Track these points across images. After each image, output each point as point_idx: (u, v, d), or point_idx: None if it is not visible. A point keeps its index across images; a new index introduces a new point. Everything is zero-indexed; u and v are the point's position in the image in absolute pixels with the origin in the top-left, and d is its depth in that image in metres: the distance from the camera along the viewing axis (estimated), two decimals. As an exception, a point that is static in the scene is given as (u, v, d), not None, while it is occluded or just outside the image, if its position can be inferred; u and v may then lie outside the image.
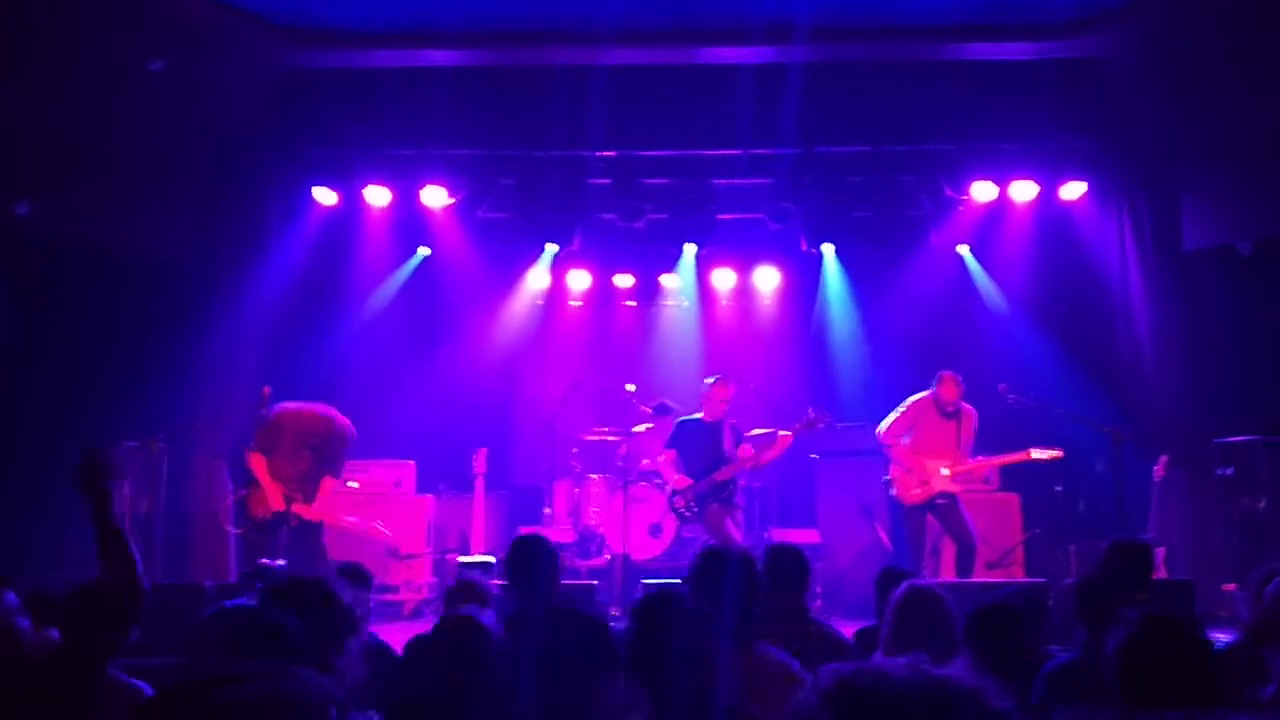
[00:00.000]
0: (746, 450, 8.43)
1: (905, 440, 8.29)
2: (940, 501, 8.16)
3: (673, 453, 8.74)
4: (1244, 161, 8.66)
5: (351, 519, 8.67)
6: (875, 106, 9.09)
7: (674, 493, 8.65)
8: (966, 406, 8.31)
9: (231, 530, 7.87)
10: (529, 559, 4.84)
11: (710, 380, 8.64)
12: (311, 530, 7.85)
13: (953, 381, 8.23)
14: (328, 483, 7.89)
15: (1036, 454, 8.22)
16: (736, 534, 8.49)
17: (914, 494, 8.20)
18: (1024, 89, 8.87)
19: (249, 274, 9.34)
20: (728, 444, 8.51)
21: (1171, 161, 9.12)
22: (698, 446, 8.62)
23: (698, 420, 8.68)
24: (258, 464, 7.82)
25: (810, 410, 8.51)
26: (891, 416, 8.36)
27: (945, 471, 8.14)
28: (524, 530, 7.27)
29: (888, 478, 8.42)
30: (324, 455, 7.87)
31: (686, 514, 8.67)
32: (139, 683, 3.30)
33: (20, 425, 8.15)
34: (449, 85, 8.88)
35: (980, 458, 8.47)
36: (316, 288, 9.90)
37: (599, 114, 8.85)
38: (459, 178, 9.76)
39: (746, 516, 9.91)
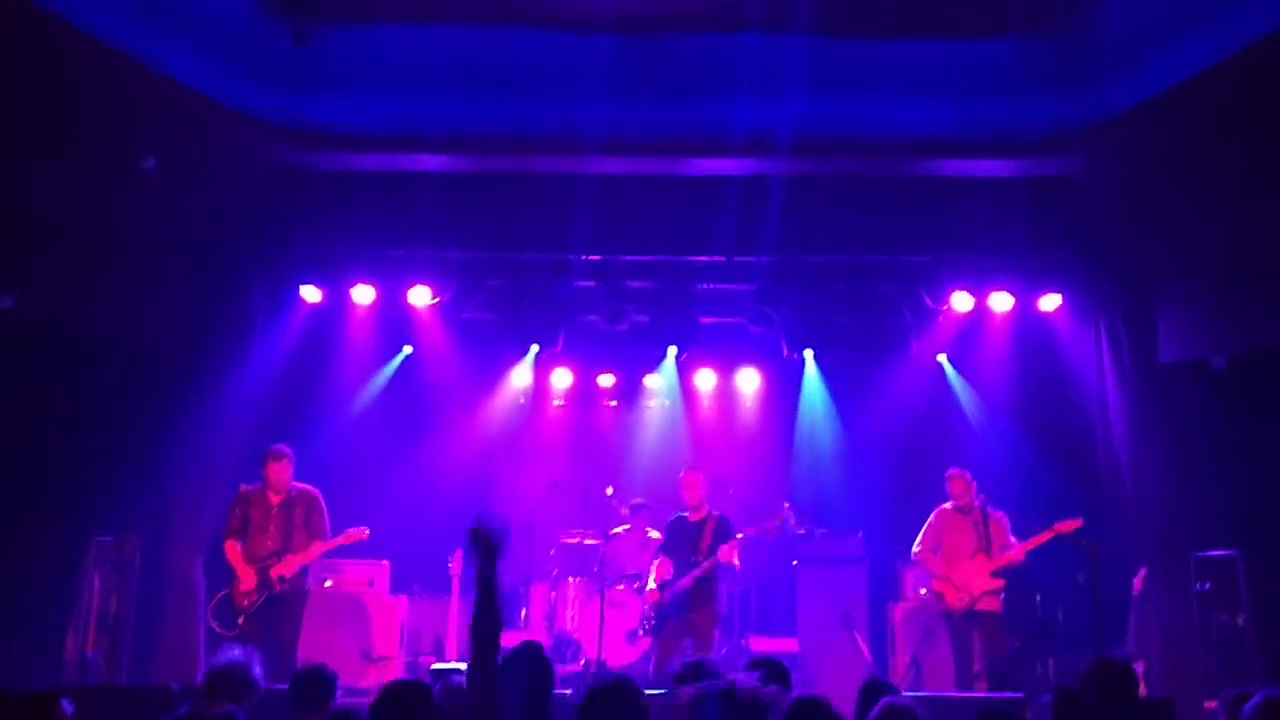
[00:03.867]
0: (724, 550, 8.27)
1: (937, 554, 8.48)
2: (983, 612, 8.23)
3: (663, 560, 8.69)
4: (1217, 278, 8.77)
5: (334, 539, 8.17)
6: (855, 218, 9.22)
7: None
8: (995, 511, 8.51)
9: (223, 633, 7.70)
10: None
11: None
12: (291, 601, 7.86)
13: (960, 478, 8.56)
14: (317, 545, 8.01)
15: (1061, 527, 8.24)
16: (707, 641, 8.33)
17: (960, 599, 8.30)
18: (1000, 204, 9.06)
19: (231, 369, 9.27)
20: (705, 543, 8.38)
21: (1146, 276, 9.24)
22: (677, 548, 8.55)
23: (682, 518, 8.64)
24: (232, 551, 7.91)
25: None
26: (920, 534, 8.62)
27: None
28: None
29: (937, 591, 8.49)
30: (294, 521, 7.96)
31: (644, 628, 8.70)
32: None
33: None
34: (437, 188, 9.01)
35: (1013, 549, 8.44)
36: (299, 384, 9.90)
37: (584, 219, 8.99)
38: (445, 278, 9.82)
39: (724, 622, 9.77)
